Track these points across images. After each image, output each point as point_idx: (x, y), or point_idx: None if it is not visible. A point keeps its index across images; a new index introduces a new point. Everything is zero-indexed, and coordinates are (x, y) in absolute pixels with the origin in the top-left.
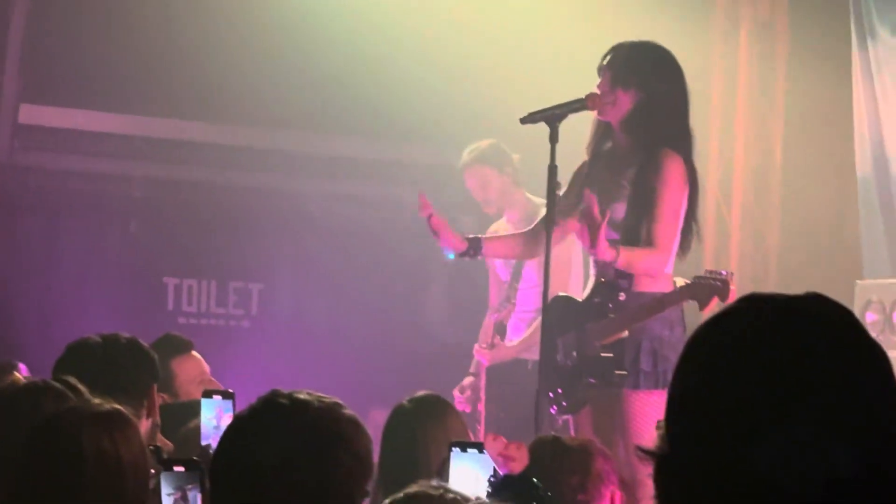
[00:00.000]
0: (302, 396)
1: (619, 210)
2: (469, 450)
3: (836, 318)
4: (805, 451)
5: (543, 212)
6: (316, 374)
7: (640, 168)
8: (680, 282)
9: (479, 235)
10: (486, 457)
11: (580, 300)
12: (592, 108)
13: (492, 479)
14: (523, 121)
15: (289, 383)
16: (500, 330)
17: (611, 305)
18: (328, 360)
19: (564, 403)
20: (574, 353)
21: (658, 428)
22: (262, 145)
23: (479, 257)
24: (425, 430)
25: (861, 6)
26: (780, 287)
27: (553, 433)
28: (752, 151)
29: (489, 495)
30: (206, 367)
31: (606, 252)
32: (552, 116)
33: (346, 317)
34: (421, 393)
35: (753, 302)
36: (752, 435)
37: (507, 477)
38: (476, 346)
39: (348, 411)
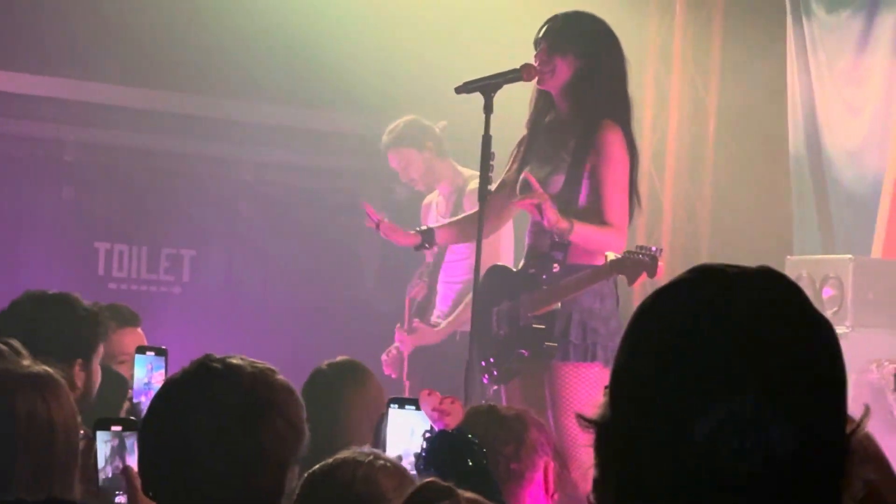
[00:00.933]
0: (235, 361)
1: (559, 181)
2: (406, 406)
3: (785, 293)
4: (746, 425)
5: (473, 183)
6: (247, 341)
7: (579, 139)
8: (610, 256)
9: (431, 226)
10: (422, 414)
11: (515, 270)
12: (528, 79)
13: (427, 434)
14: (458, 90)
15: (219, 350)
16: (418, 311)
17: (545, 277)
18: (259, 327)
19: (496, 373)
20: (507, 324)
21: (603, 395)
22: (197, 112)
23: (435, 248)
24: (342, 395)
25: None
26: (711, 260)
27: (486, 402)
28: (686, 126)
29: (424, 451)
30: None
31: (559, 222)
32: (487, 86)
33: (278, 284)
34: (340, 358)
35: (704, 274)
36: (695, 407)
37: (441, 432)
38: (397, 327)
39: (281, 377)
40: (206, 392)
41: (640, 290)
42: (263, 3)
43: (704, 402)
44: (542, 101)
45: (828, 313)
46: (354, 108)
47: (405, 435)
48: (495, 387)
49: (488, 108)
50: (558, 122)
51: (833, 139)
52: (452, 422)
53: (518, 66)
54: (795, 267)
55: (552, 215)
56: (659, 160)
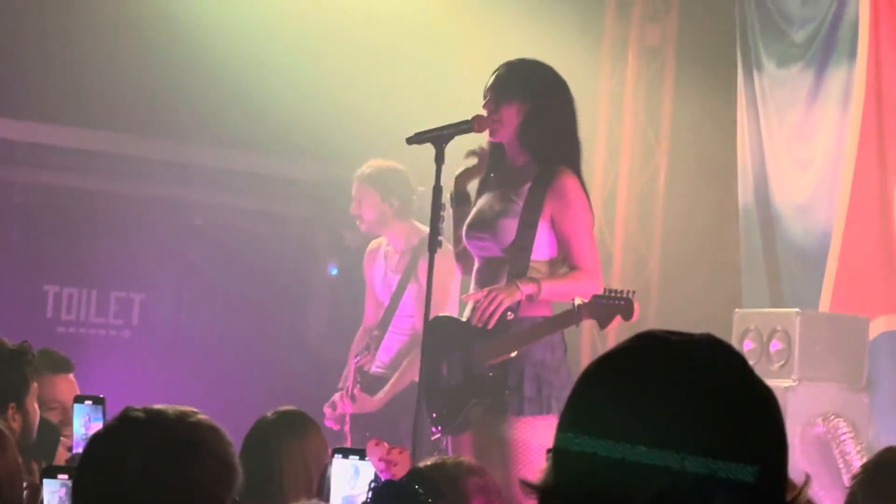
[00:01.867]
0: (157, 407)
1: (510, 225)
2: (350, 456)
3: (728, 362)
4: (690, 496)
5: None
6: (195, 385)
7: (534, 183)
8: (577, 301)
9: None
10: (367, 464)
11: (464, 320)
12: (479, 131)
13: (373, 483)
14: (409, 141)
15: (167, 395)
16: (364, 377)
17: (499, 327)
18: (208, 372)
19: (449, 424)
20: (460, 374)
21: (546, 459)
22: (147, 155)
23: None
24: (281, 445)
25: (748, 37)
26: (660, 313)
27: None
28: (636, 176)
29: (370, 500)
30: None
31: (525, 290)
32: (438, 137)
33: (227, 329)
34: (285, 407)
35: (647, 341)
36: (638, 478)
37: (388, 482)
38: (339, 394)
39: (205, 417)
40: (131, 438)
41: (589, 340)
42: (214, 47)
43: (647, 473)
44: (494, 149)
45: (775, 367)
46: (306, 154)
47: (348, 484)
48: (445, 441)
49: (439, 159)
50: (510, 169)
51: (782, 192)
52: (399, 472)
53: (470, 118)
54: (744, 320)
55: (512, 296)
56: (609, 209)
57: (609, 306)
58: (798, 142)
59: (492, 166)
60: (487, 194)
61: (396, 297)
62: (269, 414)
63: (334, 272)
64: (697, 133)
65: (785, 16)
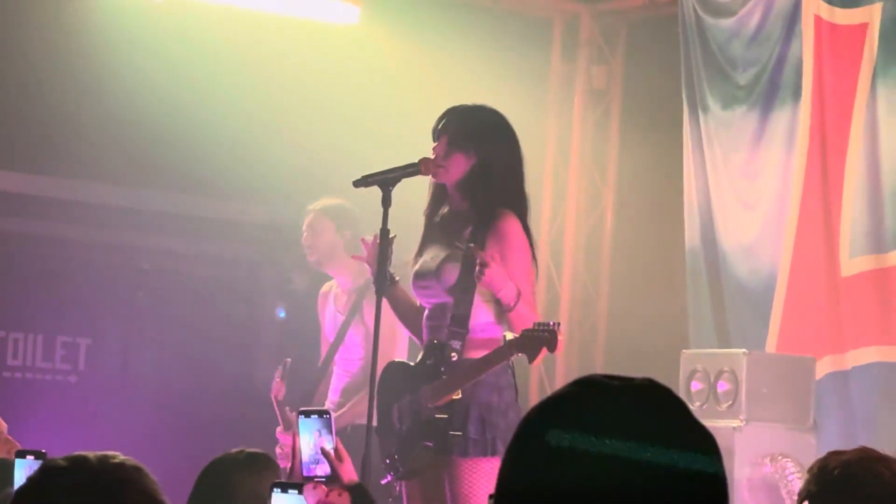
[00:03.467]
0: (77, 454)
1: (455, 269)
2: (289, 490)
3: (669, 407)
4: None
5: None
6: (142, 431)
7: (475, 228)
8: (508, 336)
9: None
10: (301, 498)
11: (413, 365)
12: (426, 173)
13: None
14: (356, 184)
15: (113, 440)
16: (280, 406)
17: (443, 368)
18: (155, 417)
19: (401, 469)
20: (409, 418)
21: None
22: (93, 200)
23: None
24: (237, 485)
25: (693, 79)
26: (608, 354)
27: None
28: (584, 219)
29: None
30: (4, 425)
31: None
32: (385, 180)
33: (175, 374)
34: (238, 449)
35: (587, 387)
36: None
37: None
38: (278, 430)
39: (127, 458)
40: (55, 487)
41: (537, 381)
42: (159, 90)
43: None
44: (439, 193)
45: (722, 407)
46: (252, 197)
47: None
48: (399, 487)
49: (386, 202)
50: (452, 212)
51: (728, 233)
52: None
53: (416, 161)
54: (690, 361)
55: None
56: (557, 252)
57: (535, 338)
58: (744, 183)
59: (434, 207)
60: (432, 243)
61: (340, 336)
62: (221, 455)
63: (282, 315)
64: (644, 175)
65: (729, 58)
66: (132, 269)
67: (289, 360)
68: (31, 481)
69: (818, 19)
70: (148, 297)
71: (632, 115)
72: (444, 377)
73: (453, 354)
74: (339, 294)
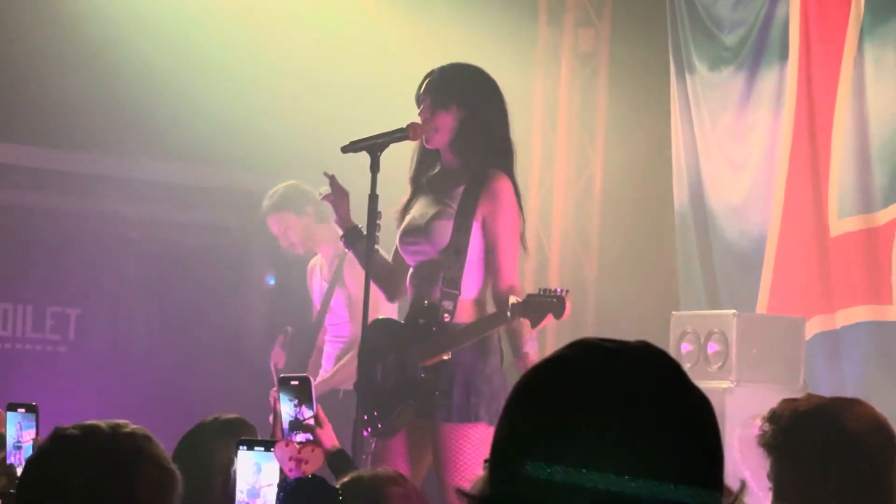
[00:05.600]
0: (89, 423)
1: (445, 227)
2: (256, 448)
3: (664, 368)
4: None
5: None
6: (133, 398)
7: (469, 186)
8: (512, 300)
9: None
10: (270, 456)
11: (402, 323)
12: (414, 138)
13: (282, 485)
14: (344, 149)
15: (105, 409)
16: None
17: (435, 328)
18: (146, 385)
19: (380, 426)
20: (393, 376)
21: (483, 469)
22: (82, 170)
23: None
24: (221, 450)
25: (679, 40)
26: (598, 316)
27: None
28: (572, 182)
29: (280, 500)
30: None
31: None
32: (374, 146)
33: (164, 342)
34: (228, 415)
35: (582, 349)
36: (577, 487)
37: (298, 480)
38: (271, 392)
39: (137, 426)
40: (69, 456)
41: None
42: (148, 59)
43: (586, 481)
44: (426, 157)
45: (713, 368)
46: (241, 165)
47: (253, 475)
48: (372, 443)
49: (375, 168)
50: (443, 172)
51: (717, 195)
52: (310, 468)
53: (405, 126)
54: (681, 322)
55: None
56: (545, 215)
57: (541, 304)
58: (732, 144)
59: (425, 169)
60: (421, 199)
61: (325, 302)
62: (207, 420)
63: (272, 282)
64: (632, 137)
65: (716, 19)
66: (122, 238)
67: (289, 328)
68: (43, 449)
69: None
70: (137, 266)
71: (619, 77)
72: (437, 337)
73: (446, 315)
74: (323, 264)
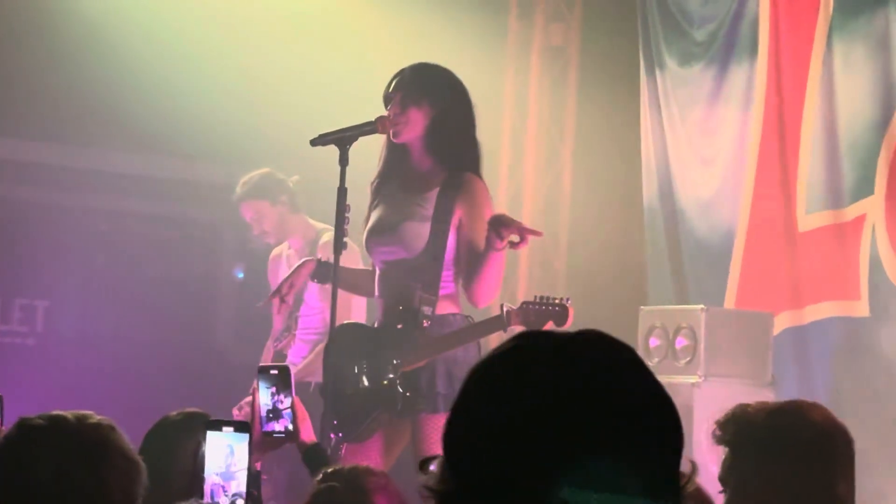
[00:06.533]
0: (54, 413)
1: (417, 229)
2: (224, 428)
3: (616, 356)
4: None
5: (326, 236)
6: (101, 391)
7: (442, 188)
8: (507, 306)
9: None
10: (242, 438)
11: (373, 326)
12: (383, 132)
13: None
14: (313, 142)
15: (72, 402)
16: (280, 359)
17: (416, 334)
18: (114, 379)
19: (351, 430)
20: (365, 381)
21: (437, 464)
22: (51, 161)
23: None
24: (184, 444)
25: (650, 36)
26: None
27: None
28: (542, 177)
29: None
30: None
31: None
32: (342, 139)
33: (133, 335)
34: (191, 409)
35: (531, 339)
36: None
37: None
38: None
39: (103, 417)
40: (36, 446)
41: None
42: (117, 50)
43: (549, 482)
44: (394, 153)
45: (681, 363)
46: (209, 157)
47: (222, 457)
48: (342, 447)
49: (343, 161)
50: (413, 172)
51: (686, 190)
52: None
53: (373, 119)
54: (649, 317)
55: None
56: (515, 209)
57: (542, 312)
58: (701, 139)
59: (390, 168)
60: (388, 199)
61: (300, 295)
62: (172, 414)
63: (240, 275)
64: (602, 132)
65: (686, 15)
66: (90, 230)
67: (298, 314)
68: (9, 440)
69: None
70: (106, 258)
71: (589, 72)
72: (421, 341)
73: (426, 321)
74: (291, 255)
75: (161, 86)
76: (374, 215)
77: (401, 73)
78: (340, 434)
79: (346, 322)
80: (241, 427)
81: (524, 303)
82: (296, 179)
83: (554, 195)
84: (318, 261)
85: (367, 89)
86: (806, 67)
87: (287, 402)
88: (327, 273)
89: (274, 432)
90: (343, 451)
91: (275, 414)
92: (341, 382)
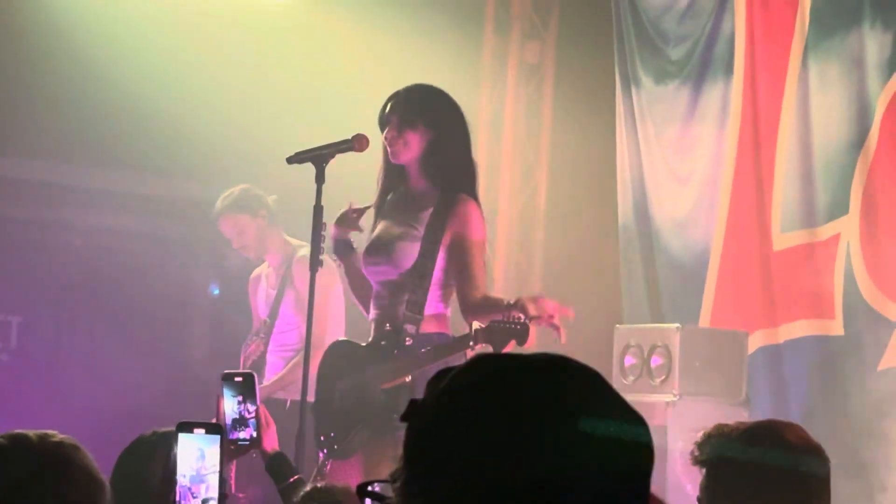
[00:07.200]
0: (17, 432)
1: (408, 249)
2: (195, 430)
3: (579, 377)
4: None
5: (302, 251)
6: (75, 408)
7: (437, 210)
8: (476, 325)
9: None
10: (213, 441)
11: (362, 345)
12: (360, 149)
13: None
14: (290, 160)
15: (46, 418)
16: (255, 368)
17: (396, 351)
18: (88, 394)
19: (336, 447)
20: (352, 397)
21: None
22: (25, 176)
23: (339, 264)
24: (152, 467)
25: (626, 53)
26: (541, 329)
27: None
28: (517, 194)
29: None
30: None
31: None
32: (319, 157)
33: (107, 351)
34: (165, 429)
35: (485, 362)
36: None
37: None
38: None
39: (65, 436)
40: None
41: None
42: (92, 65)
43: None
44: (392, 174)
45: (656, 382)
46: (185, 173)
47: (196, 461)
48: (328, 464)
49: (320, 179)
50: (409, 192)
51: (661, 208)
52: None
53: (350, 137)
54: (624, 336)
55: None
56: (490, 226)
57: (505, 330)
58: (676, 158)
59: (388, 189)
60: (385, 220)
61: (275, 307)
62: (147, 433)
63: (216, 292)
64: (577, 149)
65: (662, 33)
66: (65, 245)
67: (265, 318)
68: None
69: None
70: (81, 274)
71: (565, 89)
72: (399, 359)
73: (408, 339)
74: (270, 273)
75: (136, 102)
76: (371, 235)
77: (396, 95)
78: (326, 451)
79: (337, 340)
80: (212, 429)
81: (491, 321)
82: (274, 199)
83: (529, 212)
84: (343, 240)
85: (343, 105)
86: (781, 86)
87: (253, 409)
88: (348, 250)
89: (239, 440)
90: (328, 467)
91: (241, 422)
92: (330, 399)
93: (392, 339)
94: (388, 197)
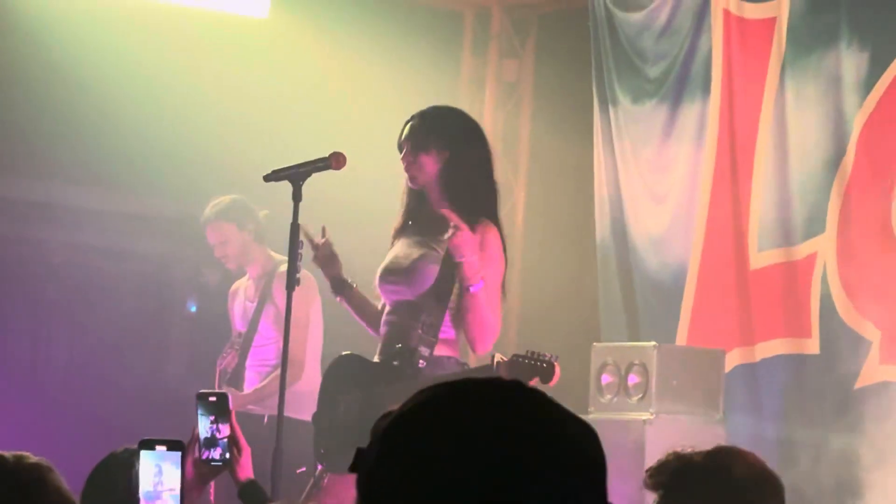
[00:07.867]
0: None
1: (427, 271)
2: (157, 447)
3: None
4: None
5: (284, 266)
6: (51, 426)
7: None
8: (498, 357)
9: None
10: (171, 458)
11: (373, 361)
12: (337, 167)
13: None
14: (267, 178)
15: (21, 436)
16: (231, 381)
17: (410, 372)
18: (64, 411)
19: (332, 462)
20: (356, 413)
21: None
22: (4, 193)
23: (338, 299)
24: (123, 481)
25: (603, 72)
26: (519, 347)
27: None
28: None
29: None
30: None
31: None
32: (296, 175)
33: (84, 369)
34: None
35: (420, 395)
36: None
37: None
38: None
39: (40, 458)
40: None
41: None
42: (69, 84)
43: None
44: (414, 198)
45: (633, 400)
46: (161, 191)
47: (153, 477)
48: (326, 478)
49: (297, 197)
50: (430, 214)
51: (638, 227)
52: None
53: (327, 155)
54: (601, 354)
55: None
56: None
57: (529, 367)
58: (653, 176)
59: (410, 212)
60: (404, 240)
61: (255, 321)
62: (119, 450)
63: (193, 309)
64: (555, 168)
65: (639, 52)
66: (42, 263)
67: (242, 330)
68: None
69: (727, 13)
70: (57, 291)
71: (543, 108)
72: (410, 382)
73: (422, 361)
74: (249, 285)
75: (114, 120)
76: (389, 255)
77: (411, 119)
78: (325, 463)
79: (344, 354)
80: (173, 446)
81: (514, 356)
82: (265, 214)
83: (506, 230)
84: (338, 277)
85: (321, 122)
86: (758, 105)
87: (225, 430)
88: (346, 287)
89: (212, 460)
90: (326, 481)
91: (212, 442)
92: (331, 413)
93: (406, 360)
94: (409, 219)
